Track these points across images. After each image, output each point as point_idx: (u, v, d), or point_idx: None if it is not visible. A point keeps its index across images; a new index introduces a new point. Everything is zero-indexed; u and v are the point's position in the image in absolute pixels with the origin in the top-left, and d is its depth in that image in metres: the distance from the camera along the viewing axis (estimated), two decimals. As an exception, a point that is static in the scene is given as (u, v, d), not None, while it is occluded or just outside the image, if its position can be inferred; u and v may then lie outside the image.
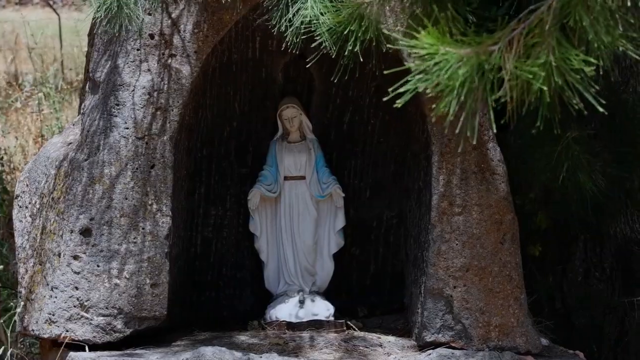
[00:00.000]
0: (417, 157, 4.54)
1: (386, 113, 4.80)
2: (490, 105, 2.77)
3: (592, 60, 2.72)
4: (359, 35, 3.53)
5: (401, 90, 2.75)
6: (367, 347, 4.34)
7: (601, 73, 2.80)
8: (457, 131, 2.83)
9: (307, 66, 4.19)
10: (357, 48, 3.53)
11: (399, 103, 2.76)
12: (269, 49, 4.74)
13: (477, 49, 2.75)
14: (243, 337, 4.44)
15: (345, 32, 3.55)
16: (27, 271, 4.38)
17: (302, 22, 3.79)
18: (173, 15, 4.25)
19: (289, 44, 3.83)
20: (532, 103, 2.77)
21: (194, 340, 4.39)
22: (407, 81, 2.75)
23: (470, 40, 2.79)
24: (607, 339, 5.62)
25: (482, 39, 2.78)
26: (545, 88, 2.69)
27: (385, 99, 2.83)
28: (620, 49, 2.76)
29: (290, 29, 3.81)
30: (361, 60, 3.69)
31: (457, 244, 4.18)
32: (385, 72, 3.03)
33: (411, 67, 2.76)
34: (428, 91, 2.72)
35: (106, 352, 4.12)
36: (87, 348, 4.11)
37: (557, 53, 2.71)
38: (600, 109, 2.75)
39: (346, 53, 3.57)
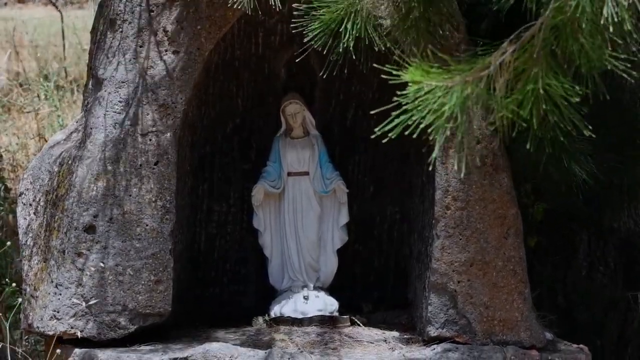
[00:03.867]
0: (420, 152, 4.54)
1: (389, 108, 4.79)
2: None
3: (577, 89, 2.73)
4: (352, 32, 3.54)
5: (389, 126, 2.78)
6: (371, 343, 4.34)
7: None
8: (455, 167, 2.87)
9: (298, 59, 4.17)
10: (350, 45, 3.55)
11: (391, 135, 2.79)
12: (271, 45, 4.74)
13: (466, 77, 2.75)
14: (248, 333, 4.45)
15: (338, 29, 3.56)
16: (31, 268, 4.38)
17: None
18: (175, 12, 4.25)
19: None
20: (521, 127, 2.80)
21: (198, 337, 4.39)
22: (396, 115, 2.78)
23: (460, 68, 2.80)
24: (610, 333, 5.61)
25: (473, 63, 2.79)
26: (523, 124, 2.72)
27: (373, 136, 2.87)
28: (609, 67, 2.78)
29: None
30: (354, 57, 3.71)
31: (460, 239, 4.18)
32: (372, 112, 3.08)
33: (400, 101, 2.78)
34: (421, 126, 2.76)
35: (110, 349, 4.12)
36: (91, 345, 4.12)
37: (546, 79, 2.72)
38: (587, 133, 2.78)
39: (340, 49, 3.58)
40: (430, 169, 4.08)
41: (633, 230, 5.63)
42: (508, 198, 4.21)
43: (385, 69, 2.89)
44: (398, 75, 2.82)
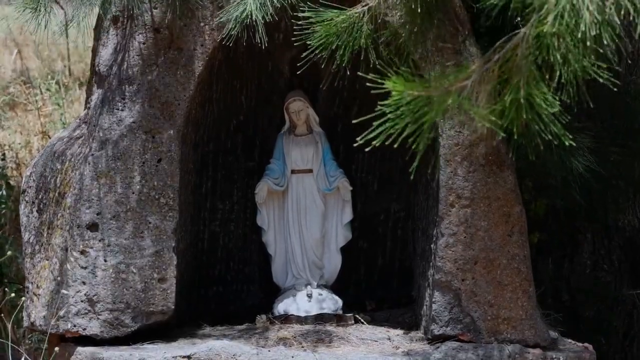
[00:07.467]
0: (424, 150, 4.52)
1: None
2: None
3: (556, 101, 2.74)
4: (349, 47, 3.56)
5: (373, 134, 2.79)
6: (375, 341, 4.33)
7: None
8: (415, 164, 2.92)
9: (298, 72, 4.19)
10: (344, 61, 3.57)
11: (374, 144, 2.80)
12: (275, 42, 4.72)
13: (448, 87, 2.76)
14: (251, 332, 4.44)
15: (336, 43, 3.59)
16: (33, 266, 4.38)
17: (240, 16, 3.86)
18: (178, 9, 4.24)
19: (225, 37, 3.95)
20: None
21: (202, 335, 4.38)
22: (379, 124, 2.80)
23: (441, 77, 2.80)
24: (615, 331, 5.60)
25: (456, 74, 2.79)
26: (502, 134, 2.75)
27: (356, 144, 2.90)
28: (593, 75, 2.78)
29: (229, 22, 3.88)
30: (348, 73, 3.74)
31: (465, 237, 4.17)
32: (354, 121, 3.10)
33: (383, 110, 2.80)
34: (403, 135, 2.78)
35: (114, 347, 4.11)
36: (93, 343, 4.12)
37: (528, 88, 2.72)
38: (567, 143, 2.79)
39: (336, 63, 3.61)
40: (430, 170, 4.07)
41: (638, 228, 5.62)
42: (512, 196, 4.20)
43: (369, 77, 2.89)
44: (382, 84, 2.84)
